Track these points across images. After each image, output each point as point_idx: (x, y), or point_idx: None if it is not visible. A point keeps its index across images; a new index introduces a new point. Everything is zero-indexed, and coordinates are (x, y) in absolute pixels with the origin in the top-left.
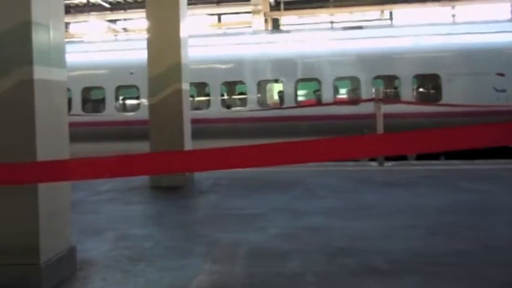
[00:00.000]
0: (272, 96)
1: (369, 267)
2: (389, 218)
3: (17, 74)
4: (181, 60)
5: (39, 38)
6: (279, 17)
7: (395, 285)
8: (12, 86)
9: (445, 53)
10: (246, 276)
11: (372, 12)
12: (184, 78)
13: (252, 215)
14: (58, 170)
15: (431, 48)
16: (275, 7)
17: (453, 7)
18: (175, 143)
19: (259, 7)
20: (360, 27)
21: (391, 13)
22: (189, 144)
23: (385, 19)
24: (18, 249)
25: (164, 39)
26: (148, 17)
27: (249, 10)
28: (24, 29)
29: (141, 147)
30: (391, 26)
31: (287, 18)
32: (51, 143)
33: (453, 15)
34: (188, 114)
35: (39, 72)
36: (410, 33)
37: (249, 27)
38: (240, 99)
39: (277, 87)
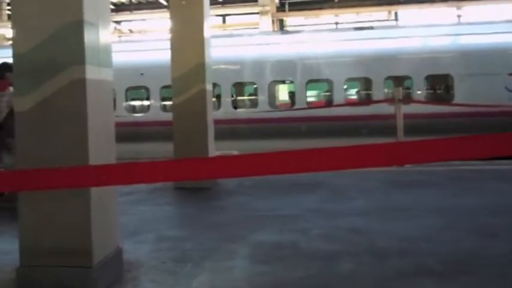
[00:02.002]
0: (281, 97)
1: (423, 268)
2: (428, 219)
3: (69, 73)
4: (205, 60)
5: (90, 37)
6: (285, 18)
7: (454, 286)
8: (64, 86)
9: (457, 53)
10: (299, 278)
11: (376, 13)
12: (208, 78)
13: (287, 216)
14: (110, 174)
15: (443, 48)
16: (280, 8)
17: (458, 8)
18: (199, 143)
19: (267, 8)
20: (371, 28)
21: (396, 14)
22: (212, 145)
23: (390, 20)
24: (72, 252)
25: (188, 39)
26: (172, 17)
27: (254, 11)
28: (76, 29)
29: (150, 148)
30: (402, 26)
31: (293, 19)
32: (101, 144)
33: (459, 16)
34: (211, 114)
35: (91, 72)
36: (421, 34)
37: (256, 28)
38: (250, 100)
39: (288, 88)
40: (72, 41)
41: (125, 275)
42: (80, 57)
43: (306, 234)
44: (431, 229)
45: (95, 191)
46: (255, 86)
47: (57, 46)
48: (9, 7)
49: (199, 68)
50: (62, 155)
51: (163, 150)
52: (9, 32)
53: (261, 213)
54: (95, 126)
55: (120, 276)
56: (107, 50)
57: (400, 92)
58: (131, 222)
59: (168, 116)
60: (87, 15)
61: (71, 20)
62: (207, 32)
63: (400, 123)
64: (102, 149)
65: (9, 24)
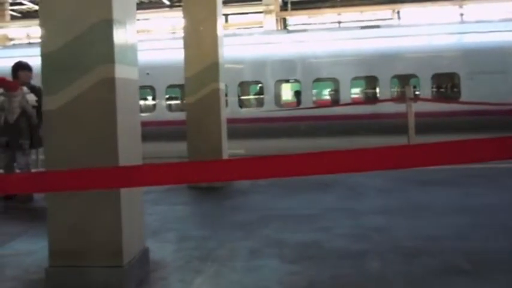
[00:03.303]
0: (287, 96)
1: (454, 267)
2: (451, 217)
3: (98, 72)
4: (219, 59)
5: (119, 35)
6: (289, 17)
7: (489, 285)
8: (93, 85)
9: (464, 51)
10: (329, 277)
11: (379, 12)
12: (221, 77)
13: (307, 215)
14: (142, 175)
15: (450, 47)
16: (282, 7)
17: (461, 6)
18: (213, 142)
19: (271, 7)
20: (378, 26)
21: (398, 12)
22: (225, 144)
23: (391, 19)
24: (102, 251)
25: (202, 39)
26: (185, 16)
27: (258, 10)
28: (106, 27)
29: (156, 148)
30: (408, 25)
31: (295, 18)
32: (130, 143)
33: (461, 14)
34: (224, 113)
35: (119, 71)
36: (427, 32)
37: (260, 27)
38: (256, 99)
39: (294, 88)
40: (101, 40)
41: (152, 275)
42: (109, 56)
43: (330, 233)
44: (456, 227)
45: (124, 190)
46: (260, 85)
47: (86, 45)
48: (11, 7)
49: (212, 67)
50: (91, 155)
51: (169, 150)
52: (11, 32)
53: (279, 212)
54: (123, 125)
55: (147, 276)
56: (133, 49)
57: (411, 90)
58: (151, 221)
59: (174, 116)
60: (116, 14)
61: (100, 19)
62: (220, 31)
63: (411, 121)
64: (130, 149)
65: (11, 24)
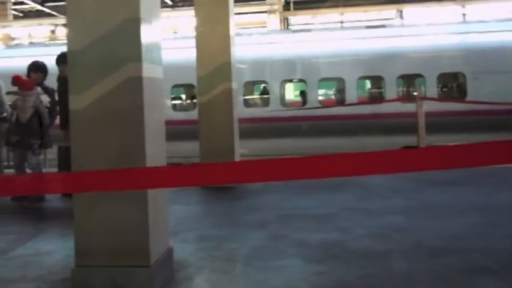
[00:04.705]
0: (293, 95)
1: (479, 266)
2: (471, 216)
3: (125, 71)
4: (231, 58)
5: (145, 34)
6: (292, 16)
7: None
8: (121, 84)
9: (470, 51)
10: (357, 277)
11: (382, 12)
12: (233, 77)
13: (325, 214)
14: (168, 176)
15: (456, 46)
16: (285, 7)
17: (463, 6)
18: (226, 142)
19: (275, 7)
20: (383, 26)
21: (401, 12)
22: (237, 144)
23: (394, 19)
24: (129, 251)
25: (214, 38)
26: (197, 16)
27: (261, 10)
28: (133, 26)
29: None
30: (414, 25)
31: (297, 18)
32: (156, 143)
33: (464, 14)
34: (236, 113)
35: (146, 70)
36: (433, 32)
37: (264, 27)
38: (262, 99)
39: (299, 87)
40: (129, 38)
41: (177, 275)
42: (136, 55)
43: (350, 233)
44: (476, 226)
45: (151, 190)
46: (265, 85)
47: (113, 43)
48: (14, 7)
49: (225, 67)
50: (119, 154)
51: (173, 150)
52: (14, 32)
53: (296, 211)
54: (150, 124)
55: (172, 276)
56: (158, 47)
57: (421, 90)
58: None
59: (178, 116)
60: (143, 13)
61: (128, 17)
62: (232, 30)
63: (421, 121)
64: (156, 148)
65: (15, 23)
